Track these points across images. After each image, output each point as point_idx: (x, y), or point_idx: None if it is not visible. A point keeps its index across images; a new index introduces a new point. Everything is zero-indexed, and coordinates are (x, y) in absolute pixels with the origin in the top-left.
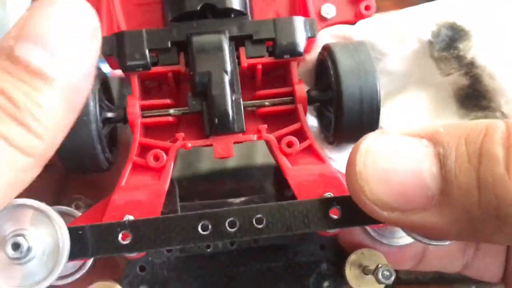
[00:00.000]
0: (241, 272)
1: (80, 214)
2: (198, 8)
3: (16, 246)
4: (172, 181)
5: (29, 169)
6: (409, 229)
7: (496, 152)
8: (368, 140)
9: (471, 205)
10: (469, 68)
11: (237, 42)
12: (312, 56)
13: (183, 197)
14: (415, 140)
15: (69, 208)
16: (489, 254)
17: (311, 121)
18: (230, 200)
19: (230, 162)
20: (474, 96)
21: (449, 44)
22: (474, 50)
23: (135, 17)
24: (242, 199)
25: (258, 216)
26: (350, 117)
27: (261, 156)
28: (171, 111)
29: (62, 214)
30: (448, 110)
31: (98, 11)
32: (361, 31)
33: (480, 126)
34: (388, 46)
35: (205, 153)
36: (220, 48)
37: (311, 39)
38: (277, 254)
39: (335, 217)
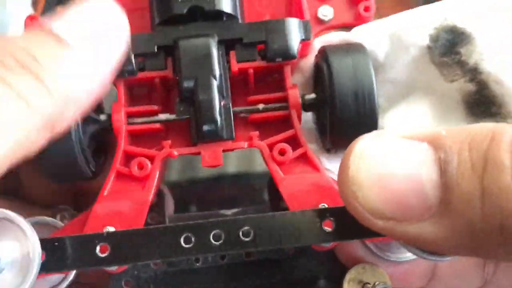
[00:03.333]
0: None
1: (63, 225)
2: (185, 11)
3: None
4: (160, 191)
5: (37, 130)
6: (405, 240)
7: (502, 160)
8: (363, 142)
9: (473, 216)
10: (473, 74)
11: (227, 45)
12: (307, 63)
13: (180, 202)
14: (414, 143)
15: (53, 219)
16: None
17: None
18: (222, 211)
19: (230, 167)
20: (483, 103)
21: (449, 48)
22: (477, 54)
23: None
24: (234, 210)
25: (245, 228)
26: (345, 120)
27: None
28: (158, 117)
29: (45, 225)
30: (456, 117)
31: None
32: (358, 38)
33: (486, 130)
34: (388, 53)
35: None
36: (207, 52)
37: (305, 42)
38: (272, 270)
39: (329, 229)
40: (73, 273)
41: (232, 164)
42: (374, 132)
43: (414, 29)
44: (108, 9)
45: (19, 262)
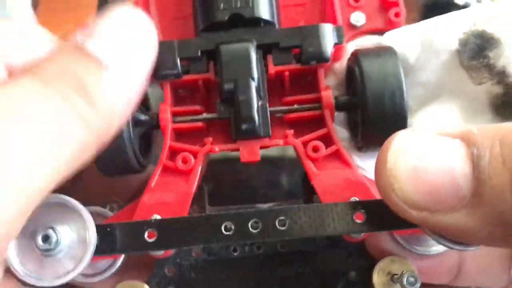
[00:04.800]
0: (267, 277)
1: (112, 214)
2: (226, 18)
3: (46, 238)
4: (201, 185)
5: (88, 147)
6: (438, 230)
7: None
8: (400, 137)
9: (504, 208)
10: (501, 77)
11: (264, 50)
12: (341, 66)
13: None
14: (448, 139)
15: (102, 209)
16: None
17: (342, 133)
18: (258, 205)
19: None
20: (510, 105)
21: (478, 52)
22: (505, 58)
23: (171, 30)
24: (270, 204)
25: (281, 218)
26: (376, 120)
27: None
28: (201, 117)
29: (95, 214)
30: (483, 119)
31: None
32: (390, 42)
33: None
34: (418, 57)
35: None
36: (247, 56)
37: (338, 46)
38: (304, 261)
39: (360, 221)
40: (120, 260)
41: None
42: (410, 129)
43: (444, 34)
44: (137, 20)
45: (76, 245)
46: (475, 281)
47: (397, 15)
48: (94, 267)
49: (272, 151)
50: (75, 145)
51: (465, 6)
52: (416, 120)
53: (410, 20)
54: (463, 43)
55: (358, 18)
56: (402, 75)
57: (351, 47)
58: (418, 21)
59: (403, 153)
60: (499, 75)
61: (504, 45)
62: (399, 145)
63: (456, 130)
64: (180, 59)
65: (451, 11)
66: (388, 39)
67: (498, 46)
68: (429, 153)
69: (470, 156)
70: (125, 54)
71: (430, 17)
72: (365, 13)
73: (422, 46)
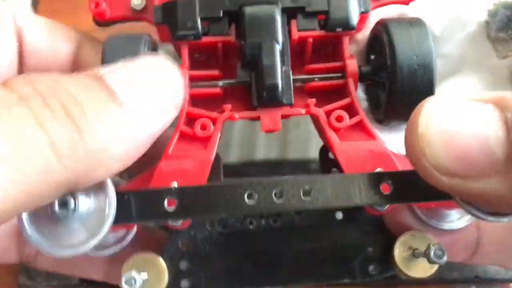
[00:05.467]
0: (284, 251)
1: (125, 182)
2: None
3: (63, 204)
4: (217, 155)
5: (55, 184)
6: (469, 197)
7: None
8: (433, 102)
9: None
10: None
11: (289, 14)
12: (363, 35)
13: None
14: (481, 104)
15: (119, 179)
16: None
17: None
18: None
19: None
20: None
21: (507, 24)
22: None
23: None
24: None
25: (306, 187)
26: (404, 90)
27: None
28: (219, 82)
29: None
30: None
31: None
32: (416, 12)
33: None
34: (444, 28)
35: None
36: (272, 19)
37: (363, 15)
38: (322, 235)
39: (386, 192)
40: (132, 233)
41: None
42: (442, 95)
43: (473, 4)
44: (168, 72)
45: (95, 214)
46: (493, 260)
47: None
48: (106, 240)
49: (272, 154)
50: (30, 179)
51: None
52: (436, 93)
53: None
54: (493, 14)
55: None
56: (433, 46)
57: (374, 17)
58: None
59: (435, 117)
60: None
61: None
62: (431, 109)
63: (490, 95)
64: (201, 19)
65: None
66: (414, 9)
67: None
68: (461, 117)
69: (504, 120)
70: (147, 102)
71: None
72: None
73: (449, 17)
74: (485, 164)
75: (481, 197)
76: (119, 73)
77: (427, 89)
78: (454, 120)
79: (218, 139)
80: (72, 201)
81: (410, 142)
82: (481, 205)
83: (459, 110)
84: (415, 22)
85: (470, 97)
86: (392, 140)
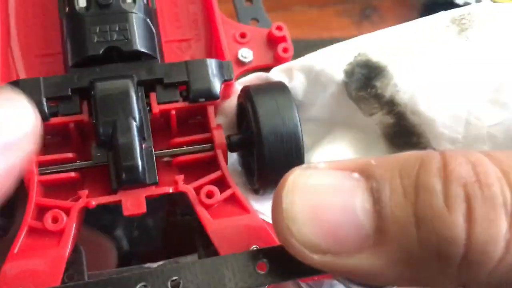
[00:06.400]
0: None
1: None
2: (101, 51)
3: None
4: (77, 247)
5: None
6: (344, 274)
7: (433, 185)
8: (295, 174)
9: (410, 244)
10: (391, 107)
11: (147, 87)
12: (231, 103)
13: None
14: (345, 173)
15: None
16: None
17: (236, 178)
18: (147, 265)
19: None
20: (402, 134)
21: (365, 82)
22: (392, 87)
23: (36, 68)
24: (160, 263)
25: (174, 278)
26: (272, 159)
27: None
28: (73, 165)
29: None
30: (378, 150)
31: None
32: (276, 78)
33: (415, 157)
34: (306, 91)
35: None
36: (126, 94)
37: (227, 83)
38: None
39: (262, 272)
40: None
41: None
42: (304, 165)
43: (330, 65)
44: (10, 104)
45: None
46: None
47: (285, 50)
48: None
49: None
50: None
51: (464, 5)
52: (312, 157)
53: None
54: (349, 74)
55: (246, 54)
56: (296, 110)
57: (238, 85)
58: None
59: (298, 191)
60: (388, 105)
61: (390, 73)
62: (294, 183)
63: (353, 163)
64: (47, 99)
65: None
66: (274, 75)
67: (385, 75)
68: (326, 189)
69: (370, 190)
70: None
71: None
72: (253, 49)
73: (307, 80)
74: (355, 239)
75: (356, 273)
76: None
77: (296, 155)
78: (319, 193)
79: (73, 231)
80: None
81: (276, 219)
82: (359, 281)
83: (323, 182)
84: (279, 88)
85: (334, 166)
86: (269, 210)
